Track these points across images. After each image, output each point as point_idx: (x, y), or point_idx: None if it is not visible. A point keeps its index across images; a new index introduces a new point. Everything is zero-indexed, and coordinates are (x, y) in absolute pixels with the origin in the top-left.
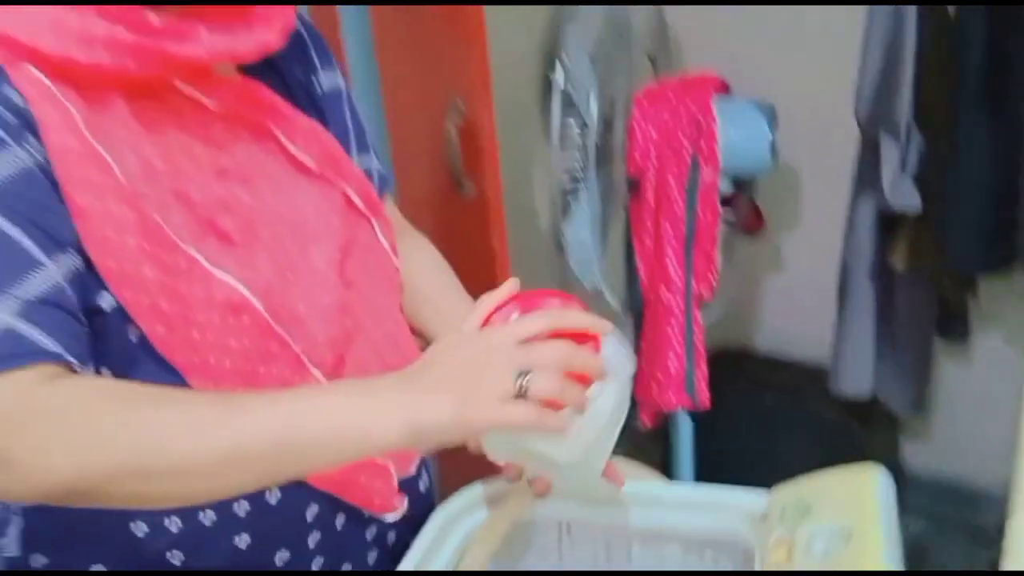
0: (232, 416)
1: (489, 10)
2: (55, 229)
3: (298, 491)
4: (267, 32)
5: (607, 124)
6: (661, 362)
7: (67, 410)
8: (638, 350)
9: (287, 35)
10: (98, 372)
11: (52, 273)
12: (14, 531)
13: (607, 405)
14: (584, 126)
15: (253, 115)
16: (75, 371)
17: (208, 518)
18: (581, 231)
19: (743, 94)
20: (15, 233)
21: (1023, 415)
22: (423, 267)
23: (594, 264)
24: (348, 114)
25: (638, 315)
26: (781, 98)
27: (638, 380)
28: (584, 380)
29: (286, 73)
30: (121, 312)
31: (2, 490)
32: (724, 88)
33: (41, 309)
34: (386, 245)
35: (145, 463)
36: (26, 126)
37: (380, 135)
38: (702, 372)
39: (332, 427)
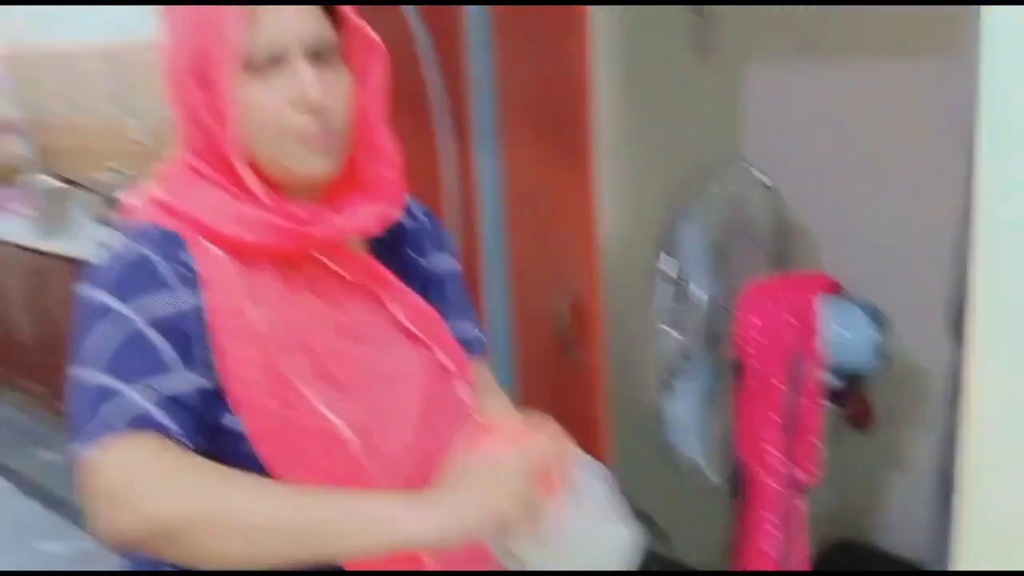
0: (294, 499)
1: (606, 199)
2: (191, 354)
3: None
4: (386, 212)
5: (716, 311)
6: (757, 542)
7: (170, 470)
8: (736, 527)
9: (397, 208)
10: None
11: (183, 379)
12: None
13: (572, 518)
14: (693, 312)
15: (368, 283)
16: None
17: None
18: (684, 407)
19: (863, 294)
20: (160, 344)
21: None
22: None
23: (694, 439)
24: (453, 291)
25: (737, 493)
26: (903, 301)
27: (737, 555)
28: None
29: (407, 255)
30: (239, 432)
31: (104, 526)
32: (834, 288)
33: (169, 403)
34: (465, 398)
35: (220, 521)
36: (190, 282)
37: (505, 308)
38: (799, 557)
39: (373, 520)
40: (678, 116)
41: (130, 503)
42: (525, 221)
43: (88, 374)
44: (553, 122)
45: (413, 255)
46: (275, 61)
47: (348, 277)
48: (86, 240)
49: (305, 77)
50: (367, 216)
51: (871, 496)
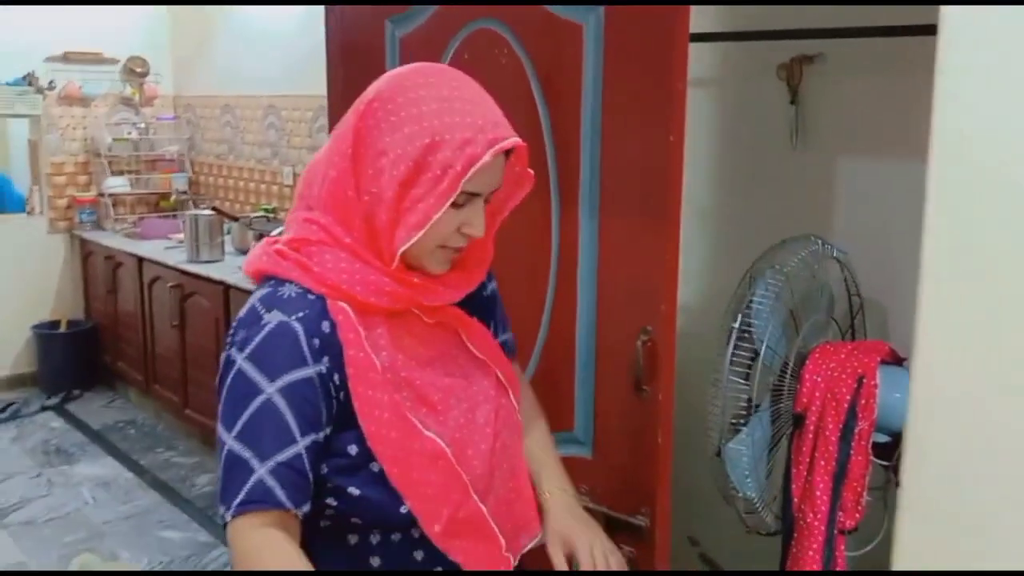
0: None
1: (692, 263)
2: (313, 417)
3: (455, 570)
4: (475, 280)
5: (783, 368)
6: None
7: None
8: (784, 563)
9: (483, 277)
10: (345, 491)
11: (299, 448)
12: None
13: None
14: (761, 368)
15: (450, 323)
16: (293, 514)
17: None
18: (745, 451)
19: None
20: (289, 419)
21: None
22: (533, 424)
23: (751, 481)
24: (499, 309)
25: (788, 532)
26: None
27: None
28: None
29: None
30: (364, 457)
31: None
32: (896, 358)
33: (285, 472)
34: (516, 407)
35: None
36: (325, 349)
37: (591, 345)
38: None
39: None
40: (769, 196)
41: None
42: (614, 275)
43: (231, 442)
44: (646, 194)
45: (480, 291)
46: (467, 200)
47: (434, 322)
48: (231, 267)
49: (479, 216)
50: (463, 289)
51: None
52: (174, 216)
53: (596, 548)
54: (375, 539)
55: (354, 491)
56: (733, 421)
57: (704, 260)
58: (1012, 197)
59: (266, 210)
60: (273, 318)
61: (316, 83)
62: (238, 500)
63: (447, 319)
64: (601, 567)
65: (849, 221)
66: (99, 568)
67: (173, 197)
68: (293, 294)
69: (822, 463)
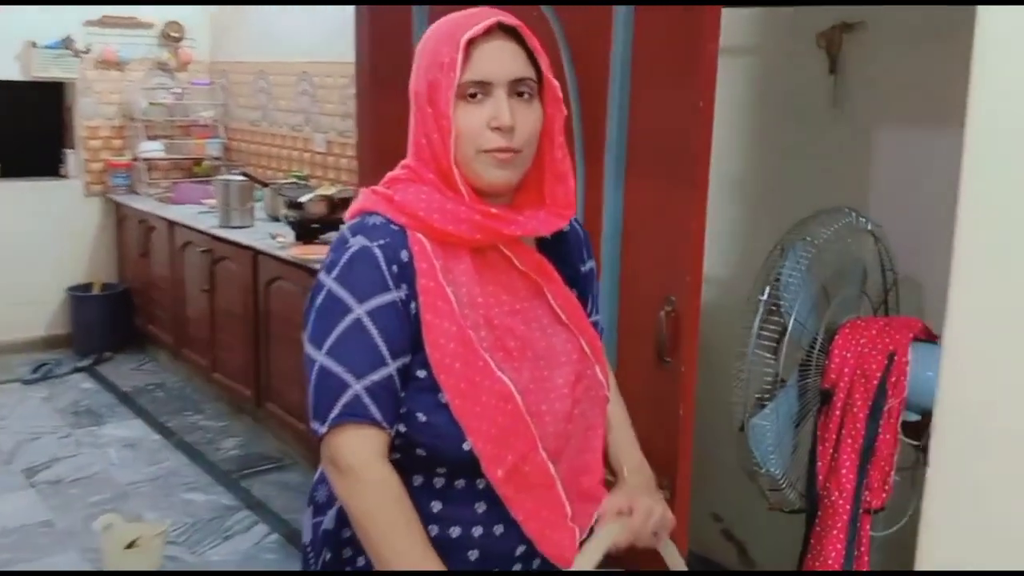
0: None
1: (720, 231)
2: (398, 343)
3: (515, 531)
4: (557, 220)
5: (812, 342)
6: (825, 558)
7: (368, 485)
8: (806, 542)
9: (566, 218)
10: (414, 415)
11: (390, 369)
12: (332, 512)
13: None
14: (789, 342)
15: (536, 275)
16: (387, 432)
17: (455, 532)
18: (770, 427)
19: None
20: (378, 341)
21: None
22: (615, 408)
23: (776, 457)
24: (594, 288)
25: (812, 511)
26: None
27: (804, 568)
28: None
29: (566, 256)
30: (431, 382)
31: (331, 485)
32: (928, 335)
33: (378, 391)
34: (603, 381)
35: (367, 536)
36: (404, 277)
37: (613, 311)
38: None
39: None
40: (805, 165)
41: (342, 490)
42: (639, 239)
43: (323, 358)
44: (673, 160)
45: (569, 257)
46: (485, 92)
47: (521, 268)
48: (261, 233)
49: (501, 105)
50: (542, 221)
51: None
52: (207, 182)
53: (656, 513)
54: (439, 483)
55: (421, 416)
56: (759, 396)
57: (734, 230)
58: None
59: (298, 177)
60: (357, 242)
61: (349, 50)
62: (334, 413)
63: (535, 267)
64: (650, 529)
65: (885, 194)
66: (121, 527)
67: (206, 162)
68: (378, 222)
69: (849, 441)
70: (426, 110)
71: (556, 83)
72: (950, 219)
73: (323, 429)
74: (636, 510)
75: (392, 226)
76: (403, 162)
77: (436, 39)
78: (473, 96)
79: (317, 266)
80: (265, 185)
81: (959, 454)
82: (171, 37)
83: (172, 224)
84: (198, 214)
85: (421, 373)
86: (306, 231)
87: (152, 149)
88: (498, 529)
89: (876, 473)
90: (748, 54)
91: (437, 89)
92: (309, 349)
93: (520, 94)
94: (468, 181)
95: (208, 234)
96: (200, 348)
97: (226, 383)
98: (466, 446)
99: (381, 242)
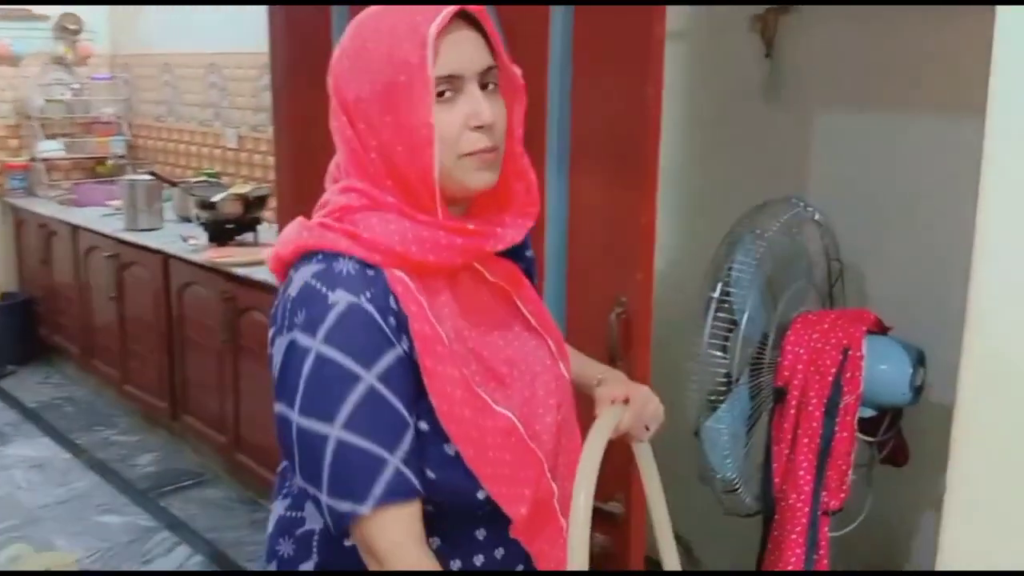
0: None
1: (665, 226)
2: (409, 397)
3: (516, 549)
4: (527, 220)
5: (763, 340)
6: (783, 562)
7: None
8: (765, 547)
9: (534, 220)
10: (422, 474)
11: (411, 430)
12: (310, 564)
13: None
14: (740, 339)
15: (507, 284)
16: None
17: (455, 565)
18: (724, 429)
19: (904, 335)
20: (399, 406)
21: None
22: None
23: (730, 461)
24: (535, 274)
25: (769, 514)
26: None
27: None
28: None
29: (517, 249)
30: (435, 434)
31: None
32: (881, 327)
33: (409, 458)
34: (569, 379)
35: None
36: (400, 327)
37: (561, 314)
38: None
39: None
40: (743, 154)
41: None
42: (586, 239)
43: (340, 433)
44: (620, 152)
45: (520, 249)
46: (455, 88)
47: (492, 279)
48: (172, 235)
49: (477, 101)
50: (517, 227)
51: (899, 528)
52: (112, 182)
53: (651, 406)
54: (440, 522)
55: (430, 474)
56: (711, 398)
57: (676, 224)
58: None
59: (208, 175)
60: (341, 299)
61: (261, 40)
62: (378, 492)
63: (505, 276)
64: (649, 415)
65: (826, 180)
66: (29, 559)
67: (110, 161)
68: (352, 271)
69: (805, 440)
70: (382, 119)
71: (518, 70)
72: (892, 207)
73: (365, 510)
74: (634, 397)
75: (368, 271)
76: (346, 184)
77: (387, 34)
78: (441, 95)
79: (234, 270)
80: (174, 184)
81: (980, 455)
82: (68, 30)
83: (75, 228)
84: (102, 217)
85: (423, 425)
86: (220, 232)
87: (51, 149)
88: (499, 552)
89: (833, 473)
90: (681, 39)
91: (401, 93)
92: (306, 422)
93: (485, 86)
94: (444, 192)
95: (114, 238)
96: (110, 359)
97: (139, 395)
98: (481, 495)
99: (368, 294)
